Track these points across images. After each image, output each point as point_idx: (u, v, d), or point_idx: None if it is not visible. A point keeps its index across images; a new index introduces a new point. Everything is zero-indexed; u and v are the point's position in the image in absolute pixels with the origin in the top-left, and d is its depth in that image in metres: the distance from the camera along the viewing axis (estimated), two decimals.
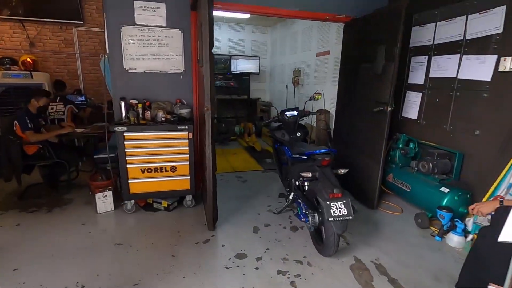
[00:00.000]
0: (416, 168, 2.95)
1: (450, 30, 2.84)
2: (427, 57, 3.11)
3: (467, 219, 2.48)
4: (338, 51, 4.21)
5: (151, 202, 2.99)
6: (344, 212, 1.88)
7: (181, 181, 2.89)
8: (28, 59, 4.42)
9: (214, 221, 2.59)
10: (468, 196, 2.58)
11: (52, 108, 4.08)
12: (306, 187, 2.46)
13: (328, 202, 1.89)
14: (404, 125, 3.42)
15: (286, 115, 3.00)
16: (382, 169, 2.94)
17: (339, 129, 3.79)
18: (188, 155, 2.85)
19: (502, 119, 2.44)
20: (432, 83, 3.08)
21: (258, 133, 6.38)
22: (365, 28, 3.13)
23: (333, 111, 4.39)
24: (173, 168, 2.85)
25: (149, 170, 2.79)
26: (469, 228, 2.43)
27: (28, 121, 2.97)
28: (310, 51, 5.21)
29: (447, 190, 2.57)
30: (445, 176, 2.78)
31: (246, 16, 5.76)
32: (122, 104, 2.91)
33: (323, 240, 2.22)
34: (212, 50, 2.23)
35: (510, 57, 2.32)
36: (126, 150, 2.69)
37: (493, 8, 2.44)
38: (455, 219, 2.47)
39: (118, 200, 2.93)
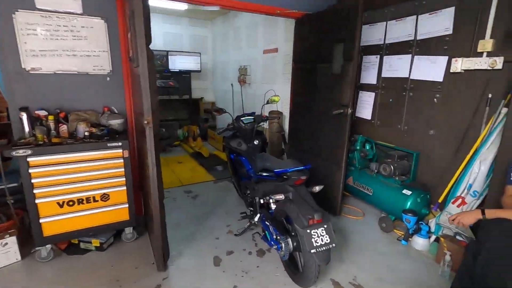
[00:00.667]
0: (376, 171, 2.90)
1: (400, 29, 2.82)
2: (378, 56, 3.08)
3: (429, 220, 2.48)
4: (288, 48, 4.01)
5: (76, 242, 2.31)
6: (327, 240, 1.61)
7: (116, 211, 2.29)
8: None
9: (165, 259, 2.09)
10: (428, 196, 2.60)
11: None
12: (273, 206, 2.14)
13: (308, 231, 1.59)
14: (359, 126, 3.38)
15: (242, 121, 2.63)
16: (344, 174, 2.81)
17: (294, 132, 3.58)
18: (124, 178, 2.26)
19: (454, 120, 2.49)
20: (385, 83, 3.06)
21: (203, 136, 5.86)
22: (319, 25, 2.94)
23: (286, 113, 4.18)
24: (105, 197, 2.23)
25: (71, 203, 2.12)
26: (432, 229, 2.44)
27: None
28: (257, 48, 4.91)
29: (409, 192, 2.55)
30: (404, 177, 2.78)
31: (183, 6, 5.16)
32: (24, 117, 2.15)
33: (299, 268, 1.93)
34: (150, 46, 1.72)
35: (460, 59, 2.35)
36: (33, 181, 1.97)
37: (442, 9, 2.46)
38: (420, 222, 2.46)
39: (29, 244, 2.18)
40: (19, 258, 2.15)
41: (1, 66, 2.14)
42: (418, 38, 2.68)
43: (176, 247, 2.36)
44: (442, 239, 2.23)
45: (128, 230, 2.42)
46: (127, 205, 2.32)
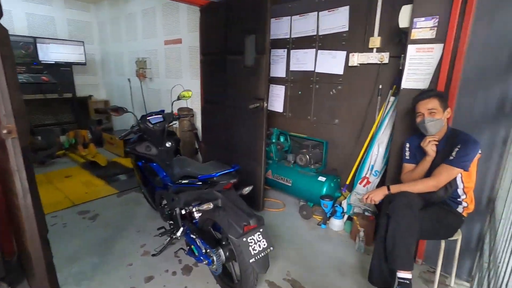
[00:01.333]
0: (293, 162, 2.98)
1: (304, 25, 2.94)
2: (286, 50, 3.15)
3: (342, 202, 2.71)
4: (193, 39, 3.71)
5: None
6: (264, 245, 1.48)
7: None
8: None
9: None
10: (339, 180, 2.83)
11: None
12: (197, 215, 1.89)
13: (244, 239, 1.43)
14: (272, 119, 3.42)
15: (149, 122, 2.24)
16: (264, 168, 2.78)
17: (208, 129, 3.35)
18: None
19: (354, 109, 2.77)
20: (293, 76, 3.17)
21: (97, 142, 4.94)
22: (227, 15, 2.77)
23: (196, 109, 3.89)
24: None
25: None
26: (345, 209, 2.66)
27: None
28: (156, 38, 4.38)
29: (324, 179, 2.71)
30: (317, 165, 2.95)
31: None
32: None
33: (234, 279, 1.77)
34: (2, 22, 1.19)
35: (356, 53, 2.60)
36: None
37: (339, 7, 2.66)
38: (335, 205, 2.65)
39: None
40: None
41: None
42: (320, 33, 2.85)
43: (75, 285, 1.82)
44: (355, 217, 2.46)
45: None
46: None
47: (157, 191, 2.24)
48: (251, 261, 1.41)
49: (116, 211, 2.87)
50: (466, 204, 1.72)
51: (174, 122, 2.40)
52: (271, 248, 1.51)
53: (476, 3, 1.72)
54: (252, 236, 1.45)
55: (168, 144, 2.33)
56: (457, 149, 1.60)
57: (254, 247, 1.45)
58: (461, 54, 1.80)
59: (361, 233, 2.31)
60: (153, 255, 2.16)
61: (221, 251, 1.68)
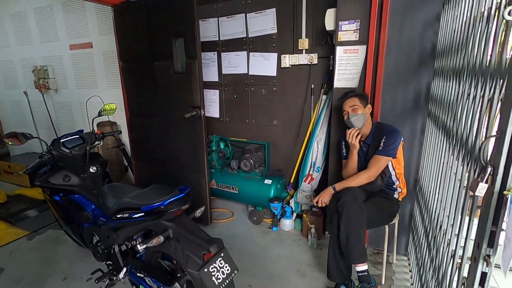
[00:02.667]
0: (237, 168, 2.89)
1: (233, 27, 2.85)
2: (216, 53, 3.02)
3: (290, 201, 2.74)
4: (107, 43, 3.26)
5: None
6: (228, 270, 1.35)
7: None
8: None
9: None
10: (284, 180, 2.87)
11: None
12: (141, 248, 1.63)
13: (205, 270, 1.27)
14: (209, 125, 3.25)
15: (64, 146, 1.83)
16: (208, 179, 2.62)
17: (138, 144, 2.98)
18: None
19: (290, 109, 2.83)
20: (226, 80, 3.06)
21: None
22: (149, 16, 2.48)
23: (121, 122, 3.44)
24: None
25: None
26: (294, 208, 2.71)
27: None
28: (58, 41, 3.68)
29: (270, 181, 2.70)
30: (261, 168, 2.93)
31: None
32: None
33: None
34: None
35: (288, 55, 2.65)
36: None
37: (265, 10, 2.66)
38: (283, 205, 2.67)
39: None
40: None
41: None
42: (250, 36, 2.80)
43: None
44: (304, 215, 2.51)
45: None
46: None
47: (85, 227, 1.86)
48: None
49: (29, 259, 2.31)
50: (400, 189, 1.92)
51: (97, 142, 2.02)
52: (236, 271, 1.39)
53: (390, 8, 1.91)
54: (214, 264, 1.31)
55: (92, 170, 1.95)
56: (383, 140, 1.77)
57: (217, 275, 1.31)
58: (382, 55, 1.99)
59: (312, 230, 2.38)
60: None
61: (177, 285, 1.48)
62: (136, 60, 2.68)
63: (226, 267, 1.35)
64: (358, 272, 1.64)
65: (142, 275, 1.55)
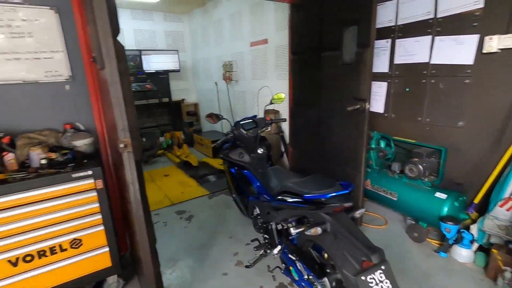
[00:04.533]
0: (399, 172, 2.53)
1: (416, 7, 2.43)
2: (390, 40, 2.69)
3: (471, 226, 2.14)
4: (280, 38, 3.56)
5: None
6: (387, 287, 1.19)
7: (94, 258, 1.77)
8: None
9: None
10: (465, 198, 2.26)
11: None
12: (293, 232, 1.70)
13: (363, 278, 1.17)
14: (370, 120, 2.98)
15: (243, 128, 2.16)
16: (364, 178, 2.43)
17: (297, 133, 3.15)
18: (100, 216, 1.73)
19: (489, 107, 2.15)
20: (398, 71, 2.68)
21: (189, 142, 5.33)
22: (322, 7, 2.50)
23: (283, 111, 3.74)
24: (76, 243, 1.70)
25: (28, 258, 1.58)
26: (476, 237, 2.09)
27: None
28: (242, 40, 4.41)
29: (445, 195, 2.19)
30: (432, 177, 2.42)
31: None
32: None
33: None
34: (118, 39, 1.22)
35: (496, 36, 1.99)
36: None
37: None
38: (460, 229, 2.11)
39: None
40: None
41: None
42: (439, 15, 2.30)
43: None
44: (494, 251, 1.89)
45: (112, 279, 1.89)
46: (107, 249, 1.79)
47: (250, 200, 2.15)
48: None
49: (209, 213, 2.94)
50: None
51: (266, 127, 2.27)
52: None
53: None
54: (373, 275, 1.18)
55: (260, 151, 2.21)
56: None
57: None
58: None
59: (507, 274, 1.75)
60: (247, 266, 2.08)
61: (326, 280, 1.46)
62: (304, 52, 2.79)
63: (386, 283, 1.19)
64: None
65: (294, 258, 1.62)
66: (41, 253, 1.60)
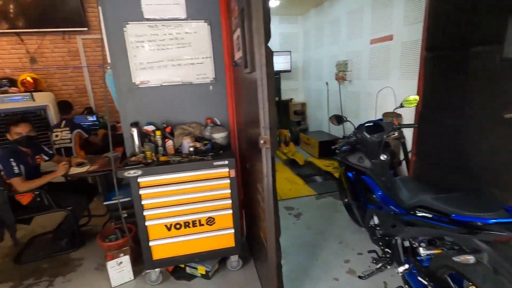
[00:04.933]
0: None
1: None
2: None
3: None
4: (409, 33, 3.20)
5: (183, 266, 2.16)
6: None
7: (222, 237, 2.03)
8: (28, 78, 3.75)
9: None
10: None
11: (56, 136, 3.38)
12: (423, 253, 1.50)
13: None
14: None
15: (366, 132, 2.05)
16: None
17: (425, 140, 2.75)
18: (230, 201, 1.98)
19: None
20: None
21: (295, 141, 5.45)
22: None
23: (405, 114, 3.35)
24: (210, 220, 1.99)
25: (177, 226, 1.95)
26: None
27: (14, 163, 2.22)
28: (361, 38, 4.18)
29: None
30: None
31: (274, 3, 4.83)
32: (135, 133, 2.09)
33: None
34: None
35: None
36: (143, 202, 1.86)
37: None
38: None
39: (138, 263, 2.12)
40: (132, 277, 2.10)
41: (115, 82, 2.12)
42: None
43: (289, 284, 1.95)
44: None
45: (234, 258, 2.14)
46: (232, 231, 2.03)
47: (369, 208, 2.03)
48: None
49: (316, 214, 2.94)
50: None
51: (392, 132, 2.08)
52: None
53: None
54: None
55: (383, 157, 2.04)
56: None
57: None
58: None
59: None
60: (360, 277, 1.98)
61: None
62: (445, 47, 2.40)
63: None
64: None
65: (424, 282, 1.44)
66: (186, 224, 1.95)
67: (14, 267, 2.35)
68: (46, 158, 2.61)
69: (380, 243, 1.90)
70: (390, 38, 3.59)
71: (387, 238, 1.78)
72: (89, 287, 2.08)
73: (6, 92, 3.54)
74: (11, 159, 2.20)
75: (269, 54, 1.33)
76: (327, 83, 5.26)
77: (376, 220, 2.00)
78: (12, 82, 3.75)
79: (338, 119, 2.12)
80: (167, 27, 2.09)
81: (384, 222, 1.82)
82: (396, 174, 2.10)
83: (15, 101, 3.50)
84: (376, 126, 2.12)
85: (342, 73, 4.65)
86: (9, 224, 2.32)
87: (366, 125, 2.09)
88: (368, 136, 2.03)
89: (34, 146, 2.49)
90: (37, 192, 2.35)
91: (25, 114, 3.46)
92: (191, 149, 2.03)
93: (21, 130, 2.31)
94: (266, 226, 1.54)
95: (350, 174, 2.26)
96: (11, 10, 4.02)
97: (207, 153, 2.00)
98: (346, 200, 2.54)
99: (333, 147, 2.25)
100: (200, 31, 2.14)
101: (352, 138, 2.08)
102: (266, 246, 1.60)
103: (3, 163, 2.19)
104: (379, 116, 3.57)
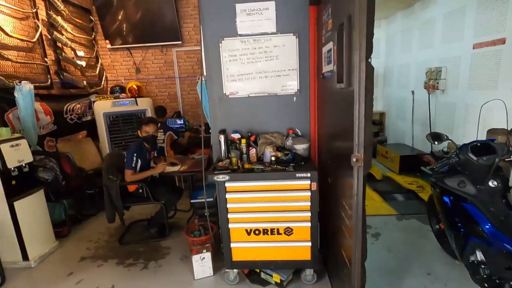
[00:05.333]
0: None
1: None
2: None
3: None
4: None
5: (258, 271, 2.23)
6: None
7: (298, 248, 2.03)
8: (134, 86, 4.42)
9: None
10: None
11: None
12: None
13: None
14: None
15: (471, 153, 1.79)
16: None
17: None
18: (309, 214, 1.96)
19: None
20: None
21: (372, 153, 5.08)
22: None
23: None
24: (288, 231, 2.01)
25: (257, 232, 2.03)
26: None
27: (135, 158, 2.63)
28: (461, 42, 3.67)
29: None
30: None
31: None
32: (222, 139, 2.26)
33: None
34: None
35: None
36: (228, 206, 1.99)
37: None
38: None
39: (215, 261, 2.27)
40: (212, 273, 2.27)
41: (208, 92, 2.34)
42: None
43: None
44: None
45: (309, 272, 2.11)
46: (309, 244, 2.01)
47: (471, 241, 1.76)
48: None
49: (398, 236, 2.69)
50: None
51: (509, 155, 1.77)
52: None
53: None
54: None
55: (492, 184, 1.76)
56: None
57: None
58: None
59: None
60: None
61: None
62: None
63: None
64: None
65: None
66: (265, 231, 2.01)
67: (118, 247, 2.78)
68: (155, 155, 3.02)
69: (486, 285, 1.63)
70: (502, 41, 3.07)
71: (497, 281, 1.51)
72: (176, 275, 2.31)
73: (118, 97, 4.24)
74: (135, 154, 2.62)
75: (370, 70, 1.29)
76: (413, 92, 4.77)
77: (480, 256, 1.73)
78: (122, 89, 4.47)
79: (436, 138, 1.90)
80: (257, 41, 2.21)
81: (494, 261, 1.55)
82: (510, 204, 1.77)
83: (124, 105, 4.15)
84: (485, 147, 1.84)
85: (433, 82, 4.16)
86: (120, 208, 2.75)
87: (470, 145, 1.83)
88: (474, 158, 1.78)
89: (154, 144, 2.92)
90: (140, 185, 2.74)
91: (131, 116, 4.09)
92: (273, 158, 2.09)
93: (149, 129, 2.73)
94: (351, 247, 1.48)
95: (446, 199, 2.00)
96: (124, 29, 4.80)
97: (288, 163, 2.04)
98: (438, 226, 2.26)
99: (428, 168, 2.02)
100: (287, 44, 2.19)
101: (454, 159, 1.84)
102: (350, 268, 1.54)
103: (128, 156, 2.62)
104: (482, 133, 3.07)
